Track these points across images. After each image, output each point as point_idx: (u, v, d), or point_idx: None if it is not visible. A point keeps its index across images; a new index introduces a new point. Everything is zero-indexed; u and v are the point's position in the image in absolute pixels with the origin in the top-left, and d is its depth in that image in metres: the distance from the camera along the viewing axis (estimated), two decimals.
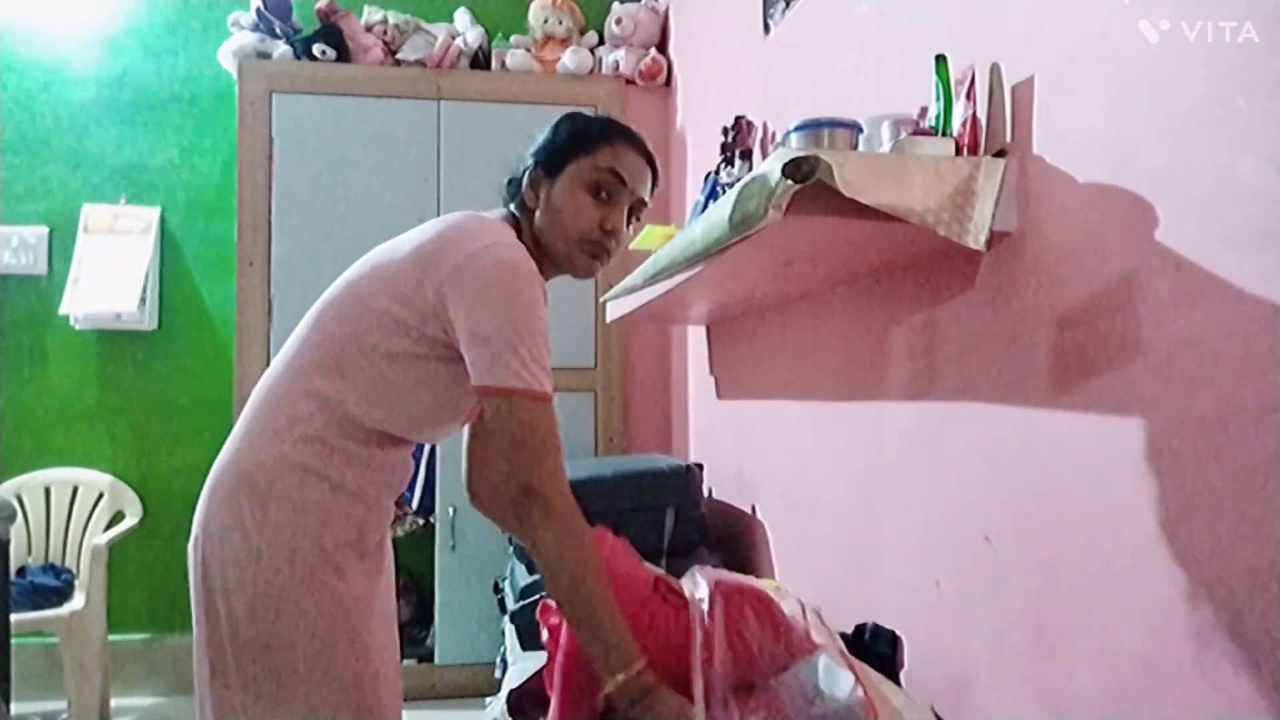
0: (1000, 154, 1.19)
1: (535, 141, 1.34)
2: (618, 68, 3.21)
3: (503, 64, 3.19)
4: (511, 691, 1.52)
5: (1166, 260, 0.95)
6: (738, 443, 2.45)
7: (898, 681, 1.45)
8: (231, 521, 1.20)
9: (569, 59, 3.17)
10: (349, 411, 1.23)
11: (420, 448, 1.39)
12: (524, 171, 1.32)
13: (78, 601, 2.79)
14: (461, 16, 3.25)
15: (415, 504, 3.06)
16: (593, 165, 1.27)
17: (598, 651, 1.12)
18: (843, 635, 1.49)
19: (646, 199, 1.32)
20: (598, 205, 1.27)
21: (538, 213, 1.30)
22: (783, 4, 2.08)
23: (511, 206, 1.36)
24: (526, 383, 1.13)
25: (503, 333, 1.14)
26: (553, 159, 1.29)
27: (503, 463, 1.15)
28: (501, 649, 2.23)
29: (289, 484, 1.21)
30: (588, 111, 1.37)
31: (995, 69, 1.22)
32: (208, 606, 1.22)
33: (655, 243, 2.09)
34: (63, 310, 3.08)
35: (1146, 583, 0.97)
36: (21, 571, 2.86)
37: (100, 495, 3.09)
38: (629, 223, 1.33)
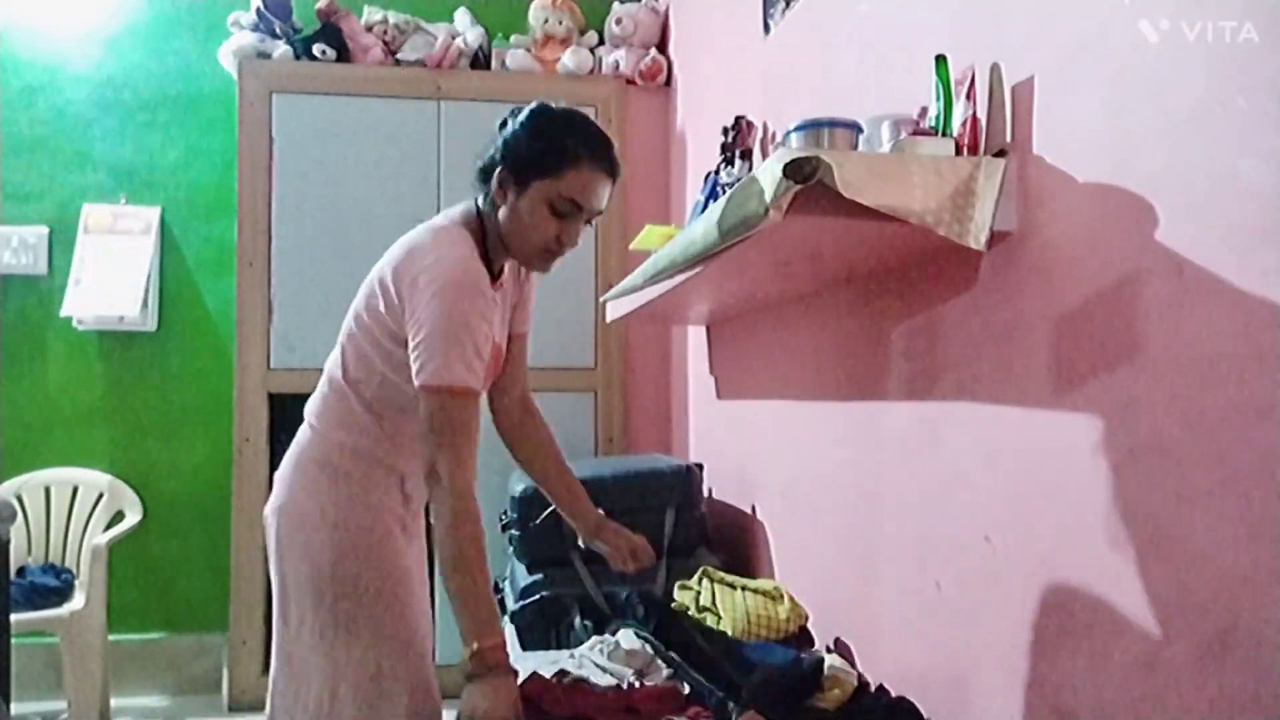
0: (1000, 154, 1.19)
1: (507, 132, 1.41)
2: (618, 68, 3.21)
3: (503, 64, 3.19)
4: None
5: (1166, 260, 0.95)
6: (738, 443, 2.45)
7: None
8: (303, 494, 1.45)
9: (569, 59, 3.16)
10: (370, 398, 1.44)
11: None
12: (494, 168, 1.41)
13: (78, 601, 2.78)
14: (461, 16, 3.25)
15: None
16: (556, 191, 1.36)
17: (463, 621, 1.27)
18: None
19: (604, 209, 1.43)
20: (556, 221, 1.38)
21: (502, 210, 1.41)
22: (783, 4, 2.08)
23: (479, 199, 1.46)
24: (444, 380, 1.29)
25: (431, 338, 1.29)
26: (519, 171, 1.38)
27: (424, 446, 1.32)
28: None
29: (342, 461, 1.44)
30: (566, 106, 1.46)
31: (995, 69, 1.22)
32: (280, 567, 1.45)
33: (655, 243, 2.09)
34: (64, 313, 3.08)
35: (1146, 583, 0.97)
36: (21, 571, 2.85)
37: (100, 495, 3.09)
38: (586, 226, 1.43)
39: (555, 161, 1.35)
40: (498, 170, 1.39)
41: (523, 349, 1.68)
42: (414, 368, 1.31)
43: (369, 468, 1.45)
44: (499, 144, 1.41)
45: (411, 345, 1.32)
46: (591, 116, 3.10)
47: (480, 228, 1.44)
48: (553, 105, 1.44)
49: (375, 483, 1.45)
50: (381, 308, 1.38)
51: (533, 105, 1.43)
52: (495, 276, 1.45)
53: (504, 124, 1.43)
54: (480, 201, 1.46)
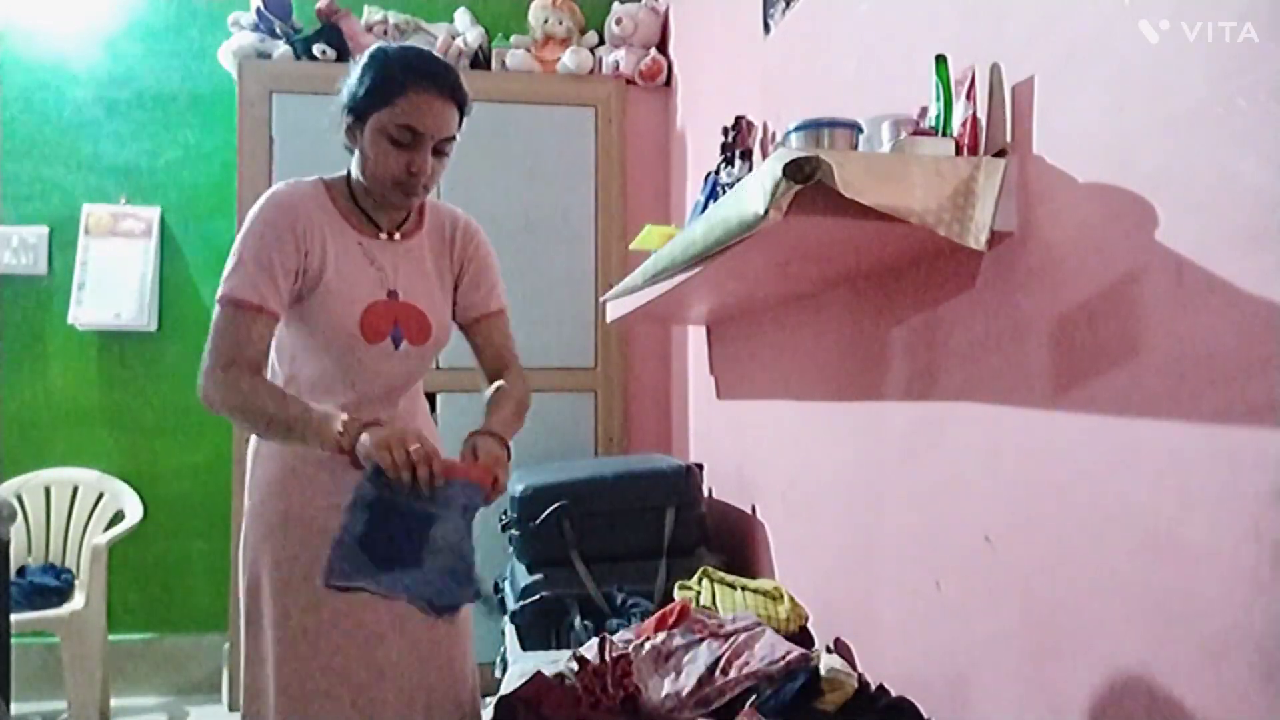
0: (1000, 154, 1.19)
1: (348, 82, 1.41)
2: (618, 68, 3.21)
3: (503, 64, 3.19)
4: (501, 699, 1.52)
5: (1166, 260, 0.95)
6: (738, 443, 2.45)
7: None
8: None
9: (569, 59, 3.16)
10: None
11: None
12: (341, 119, 1.42)
13: (78, 601, 2.79)
14: (461, 16, 3.25)
15: None
16: (391, 120, 1.35)
17: (311, 443, 1.28)
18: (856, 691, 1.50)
19: (453, 135, 1.41)
20: (401, 151, 1.37)
21: (355, 155, 1.43)
22: (783, 4, 2.08)
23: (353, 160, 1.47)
24: (221, 292, 1.34)
25: (231, 254, 1.37)
26: (358, 109, 1.38)
27: None
28: (501, 649, 2.23)
29: None
30: (407, 45, 1.44)
31: (995, 69, 1.22)
32: None
33: (655, 243, 2.09)
34: (70, 319, 3.09)
35: (1146, 583, 0.97)
36: (21, 571, 2.85)
37: (100, 495, 3.09)
38: (443, 158, 1.42)
39: (385, 91, 1.35)
40: (344, 119, 1.41)
41: (489, 333, 1.57)
42: None
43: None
44: (341, 93, 1.41)
45: None
46: (591, 116, 3.08)
47: (347, 182, 1.47)
48: (391, 45, 1.43)
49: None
50: None
51: (370, 48, 1.43)
52: (382, 228, 1.48)
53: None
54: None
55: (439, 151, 1.40)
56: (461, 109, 1.42)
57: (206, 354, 1.33)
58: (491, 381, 1.55)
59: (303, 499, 1.41)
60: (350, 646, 1.40)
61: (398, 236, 1.50)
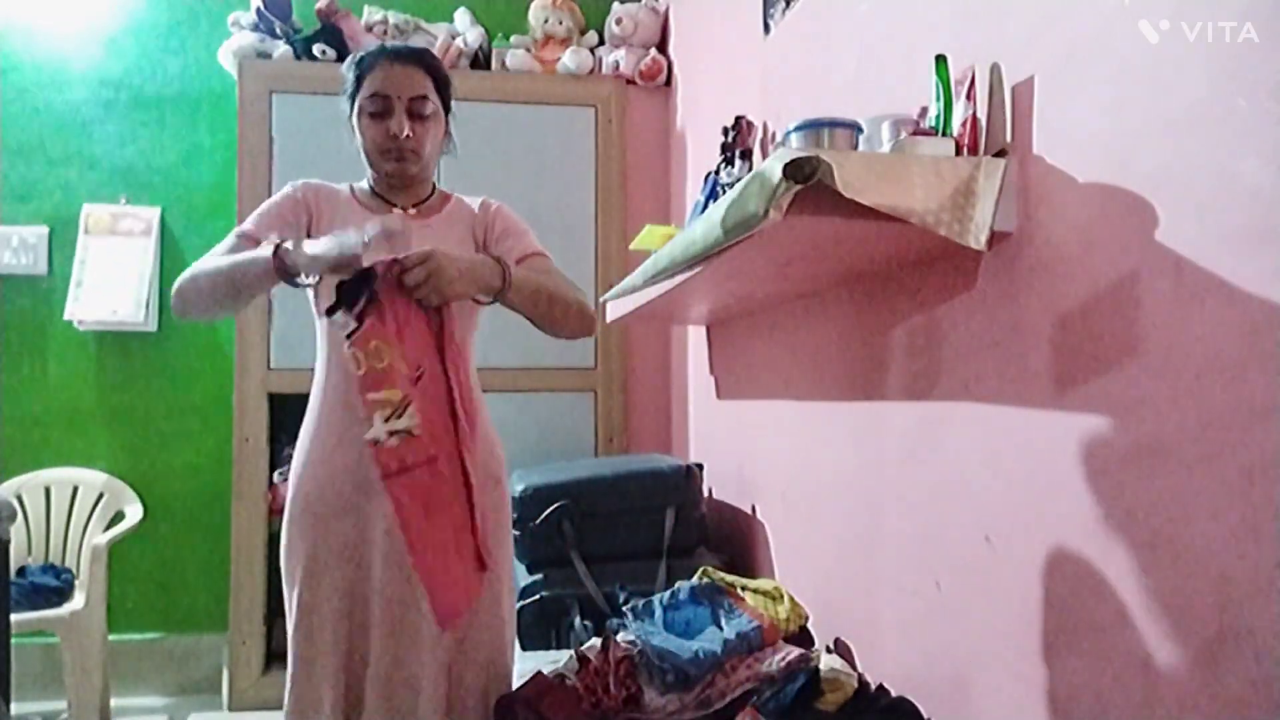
0: (1000, 154, 1.19)
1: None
2: (618, 68, 3.21)
3: (503, 64, 3.19)
4: (501, 699, 1.52)
5: (1166, 260, 0.95)
6: (738, 443, 2.45)
7: None
8: None
9: (569, 59, 3.16)
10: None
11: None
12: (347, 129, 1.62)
13: (78, 601, 2.78)
14: (461, 16, 3.25)
15: None
16: (364, 97, 1.54)
17: (253, 280, 1.42)
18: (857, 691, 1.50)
19: (427, 95, 1.55)
20: (379, 121, 1.54)
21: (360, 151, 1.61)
22: (783, 4, 2.08)
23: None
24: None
25: None
26: (348, 110, 1.59)
27: None
28: None
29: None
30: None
31: (995, 69, 1.22)
32: None
33: (655, 243, 2.09)
34: (67, 316, 3.09)
35: (1146, 583, 0.97)
36: (21, 571, 2.85)
37: (100, 495, 3.09)
38: (422, 120, 1.56)
39: (355, 79, 1.55)
40: (348, 127, 1.61)
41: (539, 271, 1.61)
42: None
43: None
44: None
45: None
46: (591, 116, 3.11)
47: (368, 183, 1.67)
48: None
49: None
50: None
51: None
52: (397, 205, 1.64)
53: None
54: None
55: (417, 115, 1.54)
56: (434, 75, 1.56)
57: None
58: None
59: (314, 480, 1.55)
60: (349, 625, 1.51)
61: (412, 212, 1.62)
